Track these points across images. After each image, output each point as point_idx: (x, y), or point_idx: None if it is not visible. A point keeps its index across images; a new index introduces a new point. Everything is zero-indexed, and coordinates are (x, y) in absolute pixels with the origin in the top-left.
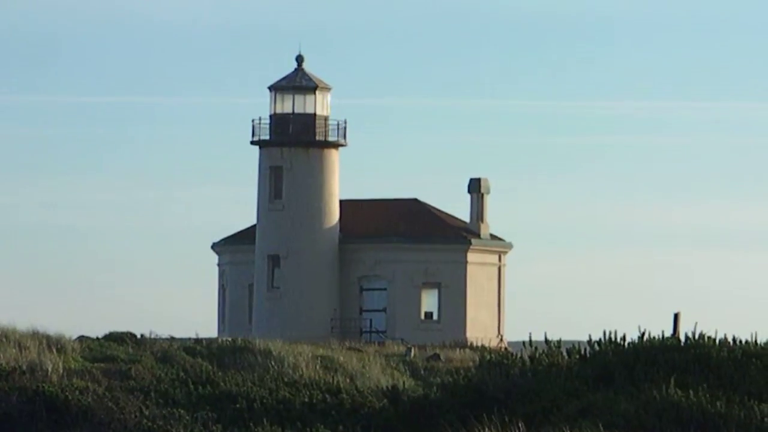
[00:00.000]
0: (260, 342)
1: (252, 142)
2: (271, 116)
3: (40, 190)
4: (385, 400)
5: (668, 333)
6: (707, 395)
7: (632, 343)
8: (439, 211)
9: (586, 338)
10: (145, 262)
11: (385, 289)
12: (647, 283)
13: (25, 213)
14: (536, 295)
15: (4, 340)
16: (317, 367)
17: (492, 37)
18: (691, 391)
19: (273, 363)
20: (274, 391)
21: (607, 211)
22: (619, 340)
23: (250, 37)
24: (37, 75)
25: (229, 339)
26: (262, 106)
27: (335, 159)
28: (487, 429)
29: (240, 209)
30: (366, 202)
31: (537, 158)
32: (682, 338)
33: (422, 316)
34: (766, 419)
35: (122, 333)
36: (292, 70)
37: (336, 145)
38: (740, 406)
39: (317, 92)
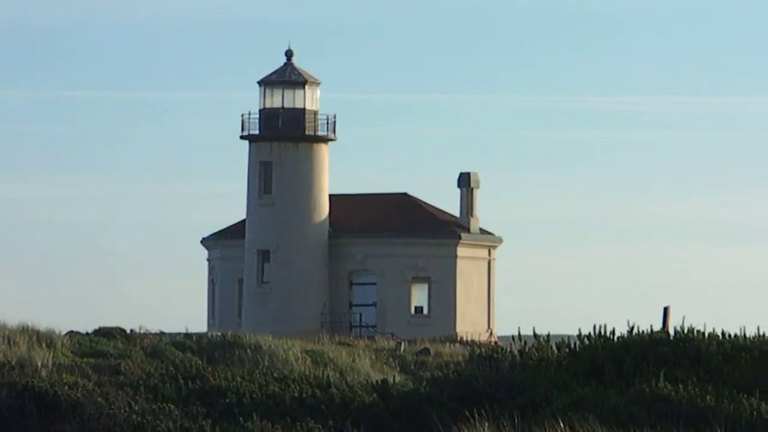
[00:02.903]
0: (250, 337)
1: (241, 137)
2: (260, 111)
3: (29, 185)
4: (375, 395)
5: (657, 327)
6: (697, 389)
7: (622, 337)
8: (429, 205)
9: (575, 332)
10: (134, 256)
11: (374, 283)
12: (636, 277)
13: (14, 208)
14: (526, 290)
15: None
16: (307, 361)
17: (482, 31)
18: (680, 385)
19: (263, 358)
20: (263, 386)
21: (596, 205)
22: (608, 334)
23: (240, 32)
24: (26, 70)
25: (219, 334)
26: (251, 101)
27: (325, 154)
28: (477, 423)
29: (229, 204)
30: (356, 196)
31: (527, 153)
32: (672, 332)
33: (412, 311)
34: (755, 413)
35: (112, 328)
36: (282, 64)
37: (325, 140)
38: (729, 399)
39: (306, 87)
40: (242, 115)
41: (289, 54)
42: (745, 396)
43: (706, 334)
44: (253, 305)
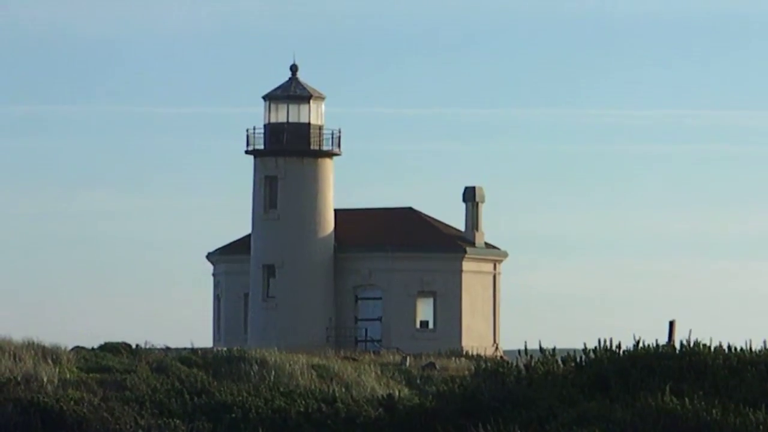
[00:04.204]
0: (256, 351)
1: (246, 152)
2: (265, 126)
3: (35, 199)
4: (381, 409)
5: (663, 341)
6: (702, 402)
7: (627, 351)
8: (434, 219)
9: (581, 346)
10: (140, 272)
11: (380, 298)
12: (642, 291)
13: (20, 223)
14: (531, 304)
15: None
16: (313, 376)
17: (486, 45)
18: (686, 399)
19: (268, 372)
20: (269, 401)
21: (602, 219)
22: (614, 348)
23: (245, 47)
24: (28, 84)
25: (225, 349)
26: (256, 116)
27: (330, 168)
28: None
29: (235, 219)
30: (361, 211)
31: (532, 167)
32: (678, 346)
33: (417, 325)
34: (761, 426)
35: (118, 343)
36: (287, 79)
37: (330, 155)
38: (735, 413)
39: (311, 101)
40: (247, 130)
41: (294, 68)
42: (752, 410)
43: (712, 348)
44: (259, 320)
